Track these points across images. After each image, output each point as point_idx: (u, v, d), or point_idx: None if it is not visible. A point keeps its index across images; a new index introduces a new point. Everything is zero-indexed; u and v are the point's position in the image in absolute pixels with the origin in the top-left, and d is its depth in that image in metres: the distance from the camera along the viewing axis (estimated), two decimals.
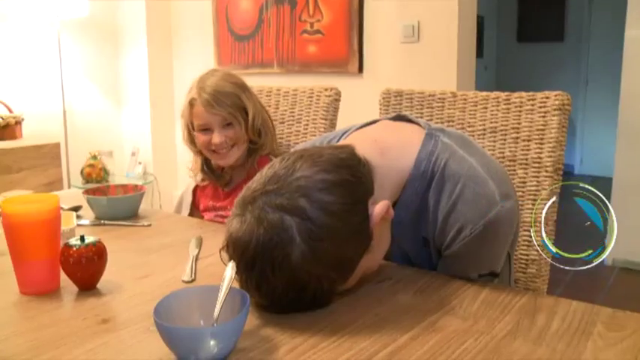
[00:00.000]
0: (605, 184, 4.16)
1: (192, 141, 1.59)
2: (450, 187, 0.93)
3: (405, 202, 0.97)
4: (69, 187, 3.38)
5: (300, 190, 0.78)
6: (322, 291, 0.81)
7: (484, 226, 0.90)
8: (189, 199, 1.68)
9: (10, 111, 3.19)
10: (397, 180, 0.96)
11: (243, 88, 1.55)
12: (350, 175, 0.82)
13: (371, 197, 0.85)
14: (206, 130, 1.51)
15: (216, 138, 1.50)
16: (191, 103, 1.52)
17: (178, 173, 3.69)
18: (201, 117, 1.50)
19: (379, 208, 0.84)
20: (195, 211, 1.68)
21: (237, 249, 0.78)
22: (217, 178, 1.61)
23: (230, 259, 0.79)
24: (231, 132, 1.51)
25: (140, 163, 3.71)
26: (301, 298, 0.80)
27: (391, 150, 0.97)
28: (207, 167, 1.62)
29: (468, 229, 0.91)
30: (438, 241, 0.97)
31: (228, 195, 1.59)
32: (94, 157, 3.49)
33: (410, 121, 1.06)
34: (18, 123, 3.14)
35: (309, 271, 0.77)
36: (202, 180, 1.65)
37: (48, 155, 3.03)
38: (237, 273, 0.78)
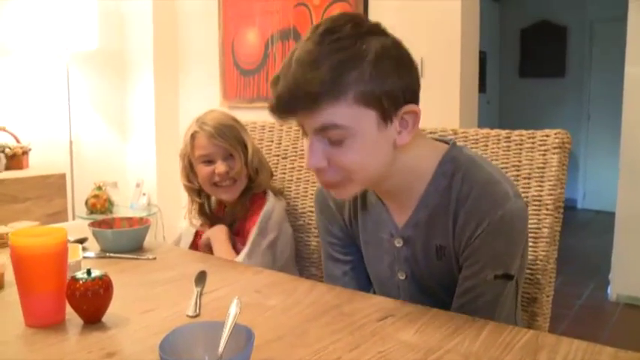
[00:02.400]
0: (608, 218, 4.17)
1: (190, 180, 1.61)
2: (468, 186, 1.00)
3: (426, 200, 1.04)
4: (73, 217, 3.39)
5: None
6: None
7: (501, 217, 0.96)
8: (189, 239, 1.68)
9: (18, 141, 3.23)
10: (426, 165, 1.04)
11: (242, 126, 1.60)
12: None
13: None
14: (208, 161, 1.54)
15: (220, 167, 1.52)
16: (193, 137, 1.55)
17: (182, 205, 3.71)
18: (204, 147, 1.53)
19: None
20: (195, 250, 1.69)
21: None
22: (218, 222, 1.62)
23: None
24: (232, 163, 1.53)
25: (144, 194, 3.73)
26: None
27: (427, 139, 1.09)
28: (209, 210, 1.64)
29: (486, 221, 0.97)
30: (458, 241, 1.01)
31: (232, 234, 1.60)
32: (99, 188, 3.51)
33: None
34: (25, 153, 3.18)
35: None
36: (202, 225, 1.66)
37: (54, 185, 3.06)
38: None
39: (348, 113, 0.92)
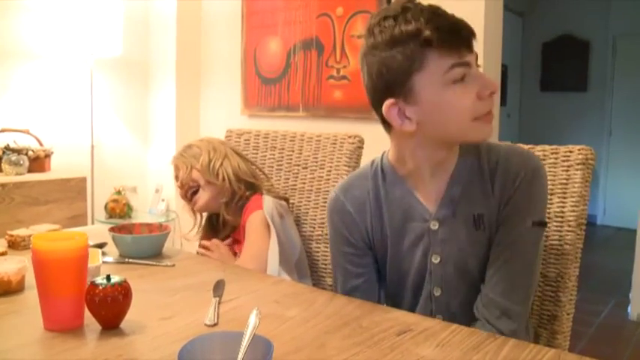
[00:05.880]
0: (628, 235, 4.11)
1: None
2: (494, 155, 1.11)
3: (457, 176, 1.12)
4: (92, 221, 3.42)
5: None
6: None
7: (533, 168, 1.09)
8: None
9: (41, 144, 3.26)
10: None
11: (215, 149, 1.69)
12: None
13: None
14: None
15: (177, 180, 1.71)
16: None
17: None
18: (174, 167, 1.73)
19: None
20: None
21: None
22: (216, 235, 1.73)
23: None
24: (186, 176, 1.67)
25: (163, 200, 3.75)
26: None
27: None
28: (216, 221, 1.76)
29: (522, 174, 1.08)
30: (498, 201, 1.09)
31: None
32: (119, 193, 3.53)
33: None
34: (47, 156, 3.21)
35: None
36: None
37: (74, 189, 3.08)
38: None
39: None
